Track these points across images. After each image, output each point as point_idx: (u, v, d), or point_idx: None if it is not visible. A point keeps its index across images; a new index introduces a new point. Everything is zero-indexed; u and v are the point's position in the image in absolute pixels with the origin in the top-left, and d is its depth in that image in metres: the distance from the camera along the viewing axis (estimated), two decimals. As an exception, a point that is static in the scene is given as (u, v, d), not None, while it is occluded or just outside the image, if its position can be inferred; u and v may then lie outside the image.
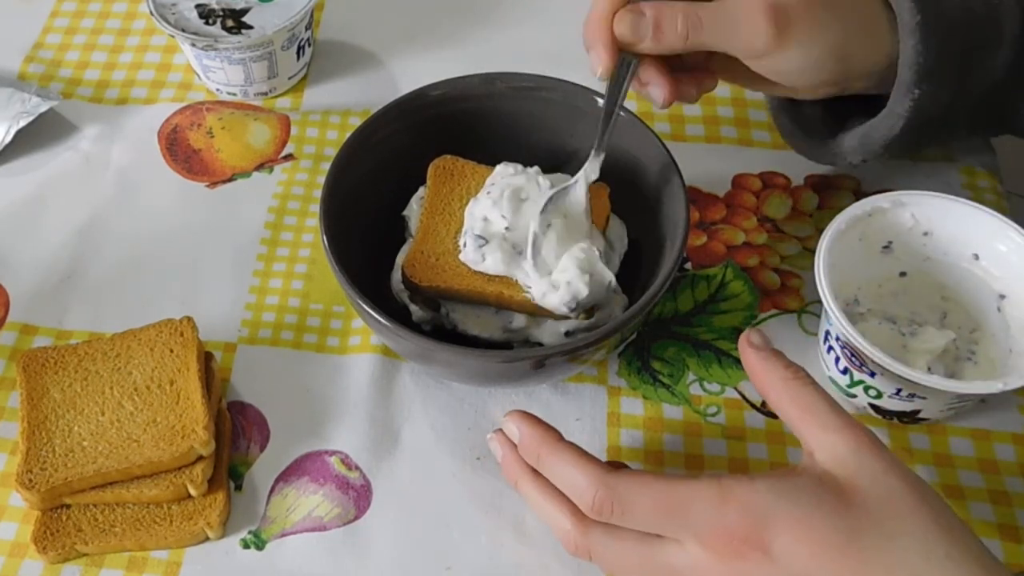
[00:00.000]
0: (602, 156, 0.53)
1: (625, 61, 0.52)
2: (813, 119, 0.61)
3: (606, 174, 0.57)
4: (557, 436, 0.46)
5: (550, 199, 0.52)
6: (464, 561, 0.51)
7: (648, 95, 0.54)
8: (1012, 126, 0.59)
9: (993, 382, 0.48)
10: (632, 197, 0.57)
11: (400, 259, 0.56)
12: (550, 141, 0.59)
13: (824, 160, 0.61)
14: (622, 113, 0.56)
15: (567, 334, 0.52)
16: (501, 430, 0.49)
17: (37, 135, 0.69)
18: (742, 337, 0.46)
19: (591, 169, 0.53)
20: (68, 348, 0.55)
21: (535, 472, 0.47)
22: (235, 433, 0.55)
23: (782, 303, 0.61)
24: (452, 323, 0.54)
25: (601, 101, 0.56)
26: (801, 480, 0.41)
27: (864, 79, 0.55)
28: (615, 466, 0.45)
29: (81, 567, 0.51)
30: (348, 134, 0.57)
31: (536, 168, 0.56)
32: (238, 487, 0.54)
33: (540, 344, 0.53)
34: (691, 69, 0.55)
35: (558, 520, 0.45)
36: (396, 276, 0.55)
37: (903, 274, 0.57)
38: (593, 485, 0.43)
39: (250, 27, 0.68)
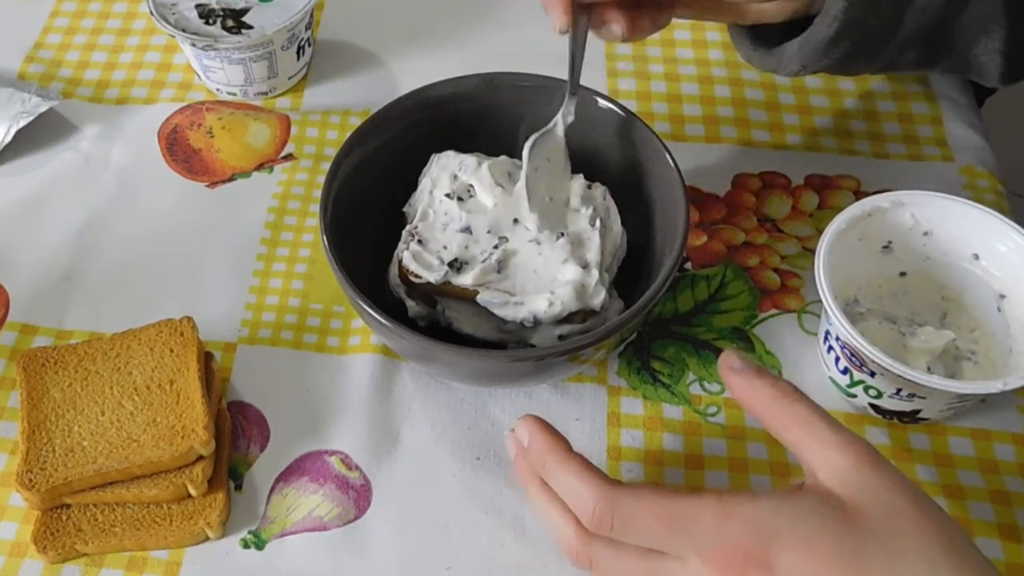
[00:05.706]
0: (575, 99, 0.55)
1: (580, 16, 0.53)
2: (766, 27, 0.60)
3: (606, 174, 0.57)
4: (565, 446, 0.46)
5: (534, 143, 0.54)
6: (464, 561, 0.51)
7: (609, 33, 0.54)
8: (963, 63, 0.58)
9: (993, 382, 0.48)
10: (632, 197, 0.57)
11: (398, 253, 0.56)
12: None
13: (766, 67, 0.60)
14: (621, 112, 0.57)
15: (560, 337, 0.52)
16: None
17: (37, 135, 0.69)
18: (720, 362, 0.45)
19: (567, 111, 0.55)
20: (68, 348, 0.55)
21: (542, 479, 0.47)
22: (235, 433, 0.55)
23: (782, 303, 0.61)
24: (447, 320, 0.54)
25: (602, 100, 0.57)
26: (805, 498, 0.41)
27: None
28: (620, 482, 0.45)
29: (81, 567, 0.51)
30: (348, 134, 0.57)
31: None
32: (238, 487, 0.54)
33: (534, 346, 0.53)
34: (646, 4, 0.55)
35: (561, 528, 0.45)
36: (393, 270, 0.55)
37: (903, 274, 0.57)
38: (594, 498, 0.43)
39: (250, 27, 0.68)
